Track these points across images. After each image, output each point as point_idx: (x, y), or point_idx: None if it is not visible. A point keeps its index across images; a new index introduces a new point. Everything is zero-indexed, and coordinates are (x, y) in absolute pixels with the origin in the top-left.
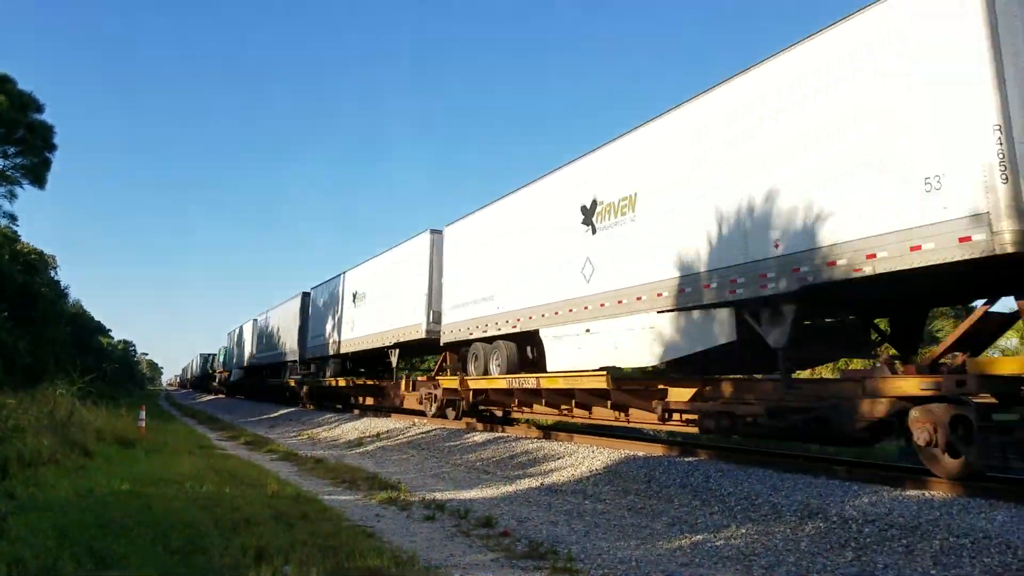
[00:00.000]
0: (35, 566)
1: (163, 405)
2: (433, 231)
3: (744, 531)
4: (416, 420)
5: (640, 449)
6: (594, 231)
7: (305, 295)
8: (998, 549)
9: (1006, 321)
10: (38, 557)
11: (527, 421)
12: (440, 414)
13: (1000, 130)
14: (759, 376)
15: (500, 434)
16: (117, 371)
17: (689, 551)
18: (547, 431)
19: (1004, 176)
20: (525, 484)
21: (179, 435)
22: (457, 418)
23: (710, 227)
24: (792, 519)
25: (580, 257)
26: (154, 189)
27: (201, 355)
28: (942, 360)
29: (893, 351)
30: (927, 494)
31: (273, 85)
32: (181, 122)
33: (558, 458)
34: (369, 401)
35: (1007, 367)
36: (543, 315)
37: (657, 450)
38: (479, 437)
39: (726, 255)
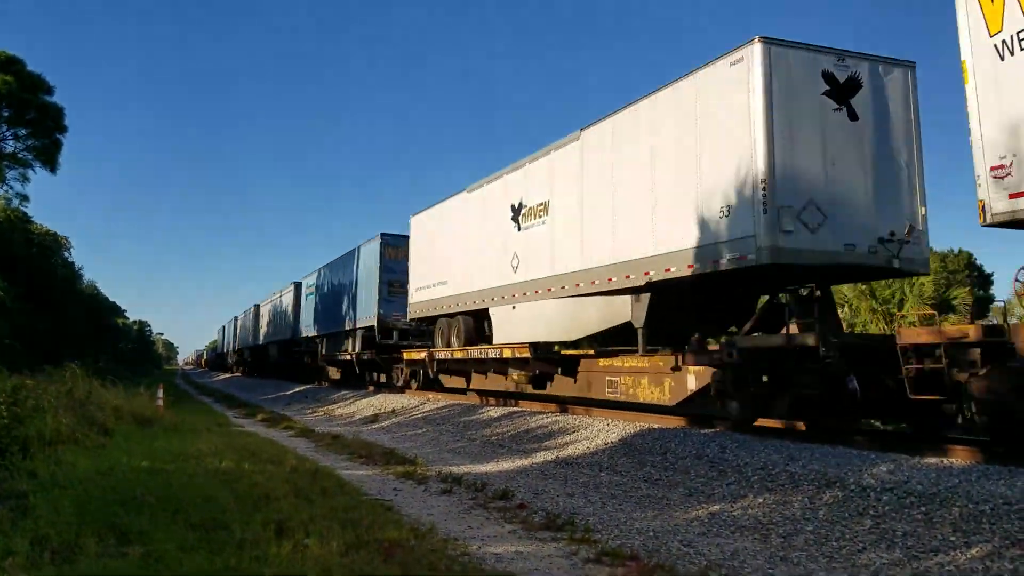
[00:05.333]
0: (58, 542)
1: (180, 384)
2: (765, 40)
3: (761, 501)
4: (430, 396)
5: (655, 422)
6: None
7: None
8: (1019, 515)
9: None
10: (60, 534)
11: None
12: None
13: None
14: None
15: (515, 409)
16: (133, 351)
17: (707, 521)
18: (563, 405)
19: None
20: (541, 457)
21: (197, 413)
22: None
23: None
24: (810, 488)
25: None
26: (174, 168)
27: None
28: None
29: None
30: (946, 461)
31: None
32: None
33: (573, 431)
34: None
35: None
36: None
37: (672, 423)
38: (494, 412)
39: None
